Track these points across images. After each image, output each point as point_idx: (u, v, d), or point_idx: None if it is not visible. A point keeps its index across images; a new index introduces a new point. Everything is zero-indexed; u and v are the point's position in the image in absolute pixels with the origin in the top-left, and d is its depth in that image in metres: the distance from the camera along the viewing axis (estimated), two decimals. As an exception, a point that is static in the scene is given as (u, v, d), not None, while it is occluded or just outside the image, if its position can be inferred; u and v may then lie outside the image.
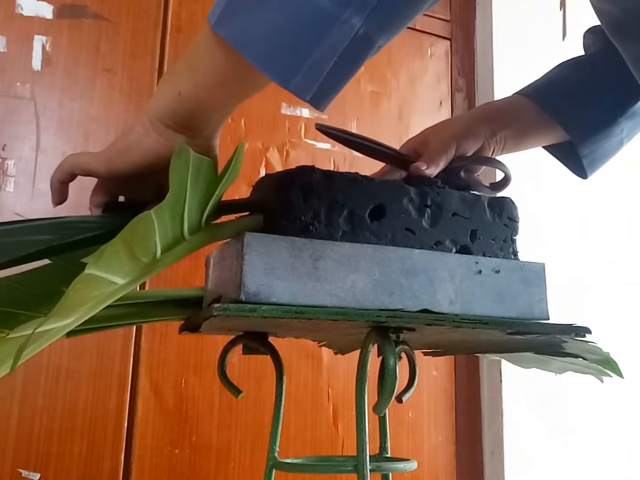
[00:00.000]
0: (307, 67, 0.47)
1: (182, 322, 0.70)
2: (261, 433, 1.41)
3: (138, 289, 0.60)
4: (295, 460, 0.76)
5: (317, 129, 0.71)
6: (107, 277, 0.48)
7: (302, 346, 1.43)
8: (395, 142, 1.72)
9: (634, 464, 1.71)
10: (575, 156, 0.79)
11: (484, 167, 0.77)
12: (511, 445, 1.59)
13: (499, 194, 0.75)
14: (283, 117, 1.58)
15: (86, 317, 0.48)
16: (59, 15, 1.40)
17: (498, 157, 0.78)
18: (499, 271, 0.64)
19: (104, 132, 1.40)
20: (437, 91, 1.83)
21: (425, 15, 1.82)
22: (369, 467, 0.59)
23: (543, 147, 0.83)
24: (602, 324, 1.19)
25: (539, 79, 0.82)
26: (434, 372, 1.65)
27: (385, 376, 0.58)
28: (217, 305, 0.53)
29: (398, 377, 0.58)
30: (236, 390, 0.74)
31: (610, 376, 0.74)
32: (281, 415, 0.75)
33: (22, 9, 1.37)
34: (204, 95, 0.54)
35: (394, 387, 0.58)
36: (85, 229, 0.58)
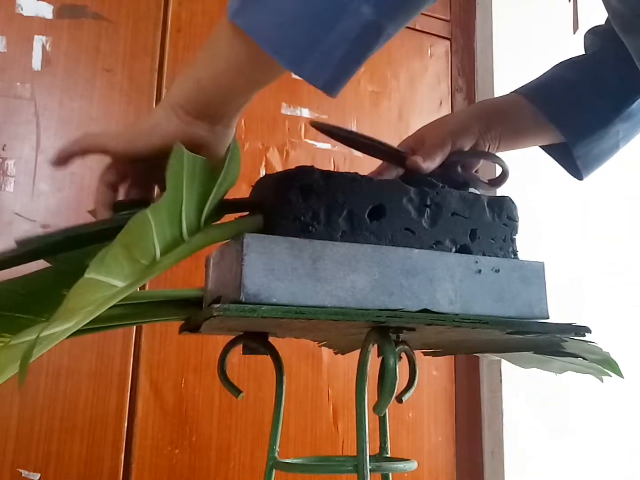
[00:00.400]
0: (319, 55, 0.49)
1: (182, 322, 0.70)
2: (261, 433, 1.41)
3: (138, 289, 0.60)
4: (295, 460, 0.76)
5: (312, 126, 0.72)
6: (108, 281, 0.48)
7: (302, 346, 1.43)
8: (395, 141, 1.72)
9: (634, 463, 1.71)
10: (570, 157, 0.79)
11: (481, 162, 0.77)
12: (511, 445, 1.59)
13: (497, 189, 0.75)
14: (283, 117, 1.58)
15: (87, 320, 0.48)
16: (59, 15, 1.40)
17: None
18: (498, 270, 0.64)
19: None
20: (437, 91, 1.83)
21: (425, 15, 1.82)
22: (369, 467, 0.59)
23: (540, 146, 0.83)
24: (602, 324, 1.19)
25: (537, 78, 0.82)
26: (434, 372, 1.65)
27: (385, 376, 0.58)
28: (217, 305, 0.53)
29: (398, 377, 0.58)
30: (236, 390, 0.74)
31: (610, 376, 0.74)
32: (281, 415, 0.75)
33: (22, 9, 1.37)
34: (221, 83, 0.56)
35: (394, 387, 0.58)
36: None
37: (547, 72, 0.82)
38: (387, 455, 0.74)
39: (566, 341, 0.65)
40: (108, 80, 1.42)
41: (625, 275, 1.80)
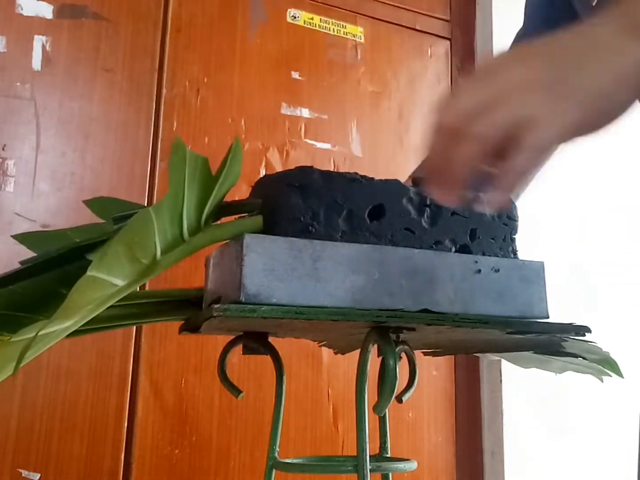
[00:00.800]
0: None
1: (182, 322, 0.70)
2: (261, 433, 1.41)
3: (138, 289, 0.60)
4: (295, 460, 0.76)
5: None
6: (109, 279, 0.48)
7: (302, 346, 1.43)
8: (395, 142, 1.72)
9: (634, 464, 1.71)
10: None
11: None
12: (511, 445, 1.59)
13: None
14: (283, 117, 1.58)
15: (87, 319, 0.48)
16: (59, 15, 1.40)
17: None
18: (498, 270, 0.64)
19: (104, 132, 1.40)
20: (437, 91, 1.83)
21: (425, 15, 1.82)
22: (369, 467, 0.59)
23: None
24: (602, 324, 1.19)
25: None
26: (434, 372, 1.65)
27: (385, 376, 0.58)
28: (217, 305, 0.53)
29: (398, 377, 0.58)
30: (236, 390, 0.74)
31: (610, 376, 0.74)
32: (281, 415, 0.75)
33: (22, 9, 1.38)
34: None
35: (394, 387, 0.58)
36: None
37: None
38: (387, 455, 0.74)
39: (566, 341, 0.65)
40: (108, 80, 1.42)
41: (625, 275, 1.80)
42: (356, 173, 0.63)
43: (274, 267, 0.55)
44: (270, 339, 0.76)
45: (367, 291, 0.58)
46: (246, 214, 0.63)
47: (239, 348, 0.75)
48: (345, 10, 1.73)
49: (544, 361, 0.76)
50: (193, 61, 1.52)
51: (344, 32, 1.72)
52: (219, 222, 0.61)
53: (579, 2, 0.70)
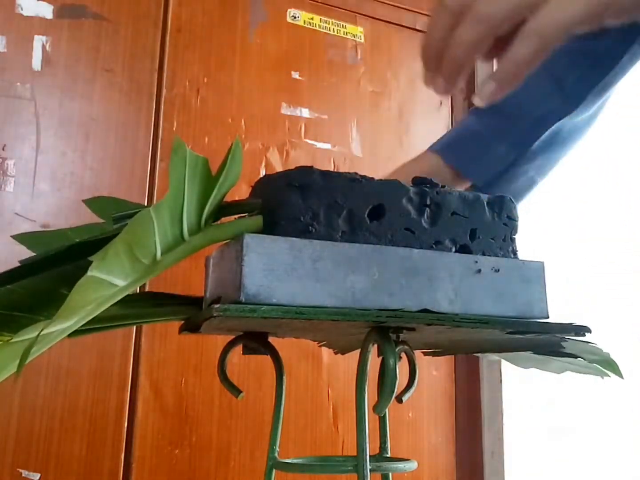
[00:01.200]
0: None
1: (182, 322, 0.70)
2: (261, 433, 1.41)
3: (138, 289, 0.60)
4: (295, 460, 0.76)
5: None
6: (109, 279, 0.48)
7: (302, 346, 1.43)
8: (395, 142, 1.72)
9: (635, 464, 1.71)
10: None
11: None
12: (511, 445, 1.59)
13: None
14: (283, 117, 1.58)
15: (87, 320, 0.48)
16: (59, 15, 1.40)
17: None
18: (498, 270, 0.64)
19: (104, 132, 1.40)
20: (437, 91, 1.83)
21: (425, 15, 1.82)
22: (369, 467, 0.59)
23: None
24: (602, 324, 1.19)
25: (449, 131, 0.86)
26: (434, 372, 1.65)
27: (385, 376, 0.58)
28: (217, 305, 0.53)
29: (398, 377, 0.58)
30: (236, 390, 0.74)
31: (610, 377, 0.74)
32: (281, 415, 0.75)
33: (22, 9, 1.38)
34: None
35: (394, 387, 0.58)
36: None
37: (459, 122, 0.86)
38: (387, 455, 0.74)
39: (566, 341, 0.65)
40: (108, 80, 1.42)
41: (625, 275, 1.80)
42: (356, 173, 0.63)
43: (274, 267, 0.55)
44: (270, 339, 0.76)
45: (367, 291, 0.58)
46: (246, 214, 0.63)
47: (239, 348, 0.75)
48: (345, 10, 1.73)
49: (543, 361, 0.76)
50: (193, 61, 1.52)
51: (344, 32, 1.72)
52: (219, 222, 0.61)
53: None
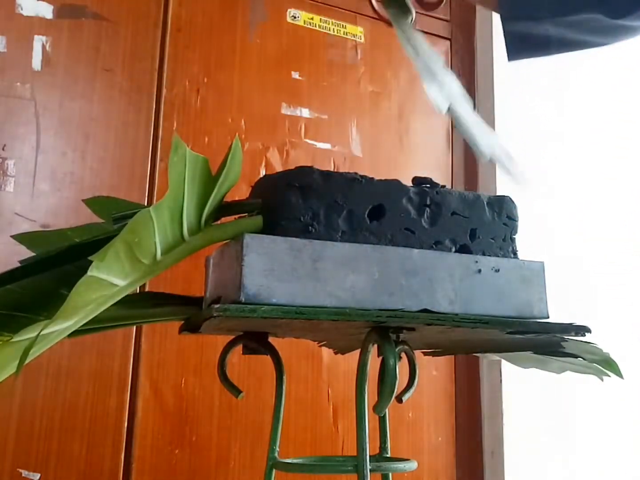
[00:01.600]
0: None
1: (182, 322, 0.70)
2: (261, 433, 1.41)
3: (138, 289, 0.60)
4: (295, 460, 0.76)
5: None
6: (109, 279, 0.48)
7: (302, 346, 1.43)
8: (395, 142, 1.72)
9: (635, 464, 1.71)
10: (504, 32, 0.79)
11: None
12: (511, 445, 1.59)
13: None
14: (283, 117, 1.58)
15: (87, 319, 0.48)
16: (59, 15, 1.40)
17: None
18: (498, 270, 0.64)
19: (104, 132, 1.40)
20: (437, 91, 1.83)
21: (425, 15, 1.82)
22: (369, 467, 0.59)
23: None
24: (602, 324, 1.20)
25: None
26: (434, 372, 1.65)
27: (385, 376, 0.59)
28: (217, 305, 0.53)
29: (398, 377, 0.58)
30: (236, 390, 0.74)
31: (610, 376, 0.74)
32: (281, 415, 0.75)
33: (22, 9, 1.38)
34: None
35: (394, 387, 0.58)
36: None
37: None
38: (387, 455, 0.74)
39: (566, 341, 0.65)
40: (108, 80, 1.42)
41: (625, 275, 1.80)
42: (356, 173, 0.63)
43: (274, 267, 0.55)
44: (270, 339, 0.76)
45: (367, 291, 0.58)
46: (246, 214, 0.63)
47: (239, 348, 0.75)
48: (345, 10, 1.73)
49: (543, 361, 0.76)
50: (193, 61, 1.52)
51: (344, 32, 1.72)
52: (219, 222, 0.61)
53: None
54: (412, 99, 1.77)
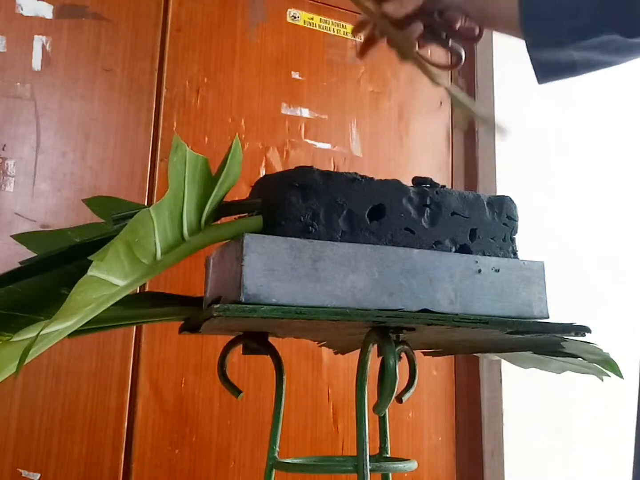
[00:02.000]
0: None
1: (182, 322, 0.70)
2: (261, 433, 1.41)
3: (138, 289, 0.60)
4: (295, 460, 0.76)
5: None
6: (109, 279, 0.48)
7: (302, 346, 1.43)
8: (395, 142, 1.72)
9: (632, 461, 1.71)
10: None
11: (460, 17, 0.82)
12: (511, 445, 1.59)
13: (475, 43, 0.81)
14: (283, 117, 1.58)
15: (87, 319, 0.48)
16: (59, 15, 1.40)
17: None
18: (498, 270, 0.64)
19: (104, 132, 1.40)
20: (437, 91, 1.83)
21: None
22: (369, 467, 0.59)
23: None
24: (602, 324, 1.19)
25: None
26: (434, 372, 1.65)
27: (385, 376, 0.59)
28: (217, 305, 0.53)
29: (398, 377, 0.58)
30: (236, 390, 0.74)
31: (609, 376, 0.74)
32: (281, 415, 0.75)
33: (22, 9, 1.38)
34: None
35: (394, 387, 0.58)
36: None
37: None
38: (387, 455, 0.74)
39: (566, 341, 0.65)
40: (108, 80, 1.42)
41: (625, 275, 1.81)
42: (356, 173, 0.63)
43: (274, 267, 0.55)
44: (270, 339, 0.76)
45: (367, 291, 0.58)
46: (246, 214, 0.63)
47: (239, 348, 0.75)
48: (345, 10, 1.73)
49: (543, 361, 0.76)
50: (193, 61, 1.52)
51: (344, 32, 1.72)
52: (219, 222, 0.61)
53: None
54: (412, 99, 1.77)
